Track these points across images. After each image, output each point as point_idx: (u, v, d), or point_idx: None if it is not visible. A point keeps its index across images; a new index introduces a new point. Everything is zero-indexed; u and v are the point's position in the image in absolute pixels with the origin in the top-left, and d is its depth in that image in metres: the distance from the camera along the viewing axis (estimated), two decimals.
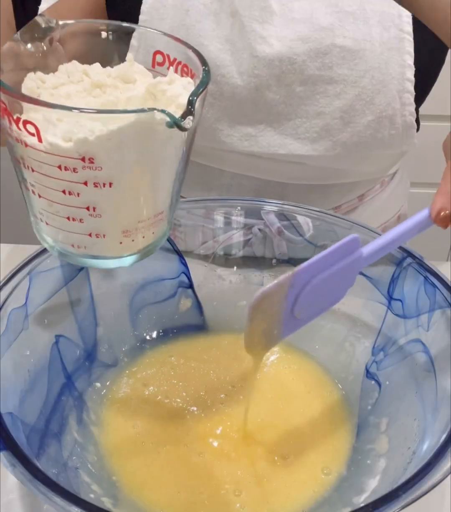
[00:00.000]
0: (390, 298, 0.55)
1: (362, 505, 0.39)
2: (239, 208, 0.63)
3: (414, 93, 0.62)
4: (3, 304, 0.48)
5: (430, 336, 0.50)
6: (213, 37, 0.62)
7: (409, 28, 0.61)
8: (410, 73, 0.61)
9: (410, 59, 0.61)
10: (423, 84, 0.64)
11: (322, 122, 0.63)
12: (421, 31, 0.61)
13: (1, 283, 0.49)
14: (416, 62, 0.62)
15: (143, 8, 0.63)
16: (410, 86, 0.62)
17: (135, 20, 0.63)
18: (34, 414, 0.47)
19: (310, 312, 0.46)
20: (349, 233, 0.58)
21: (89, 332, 0.57)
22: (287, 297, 0.43)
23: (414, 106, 0.62)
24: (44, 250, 0.53)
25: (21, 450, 0.38)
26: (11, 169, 0.82)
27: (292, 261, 0.64)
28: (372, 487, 0.45)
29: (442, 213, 0.45)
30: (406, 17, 0.61)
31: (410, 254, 0.54)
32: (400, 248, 0.55)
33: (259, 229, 0.65)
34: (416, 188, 1.25)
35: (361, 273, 0.58)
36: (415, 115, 0.63)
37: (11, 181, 0.75)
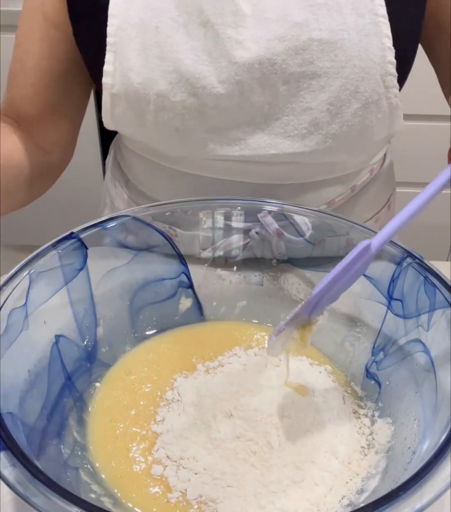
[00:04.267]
0: (390, 298, 0.55)
1: (362, 505, 0.39)
2: (239, 208, 0.63)
3: (396, 75, 0.62)
4: (3, 304, 0.48)
5: (430, 336, 0.50)
6: (187, 50, 0.61)
7: (383, 11, 0.60)
8: (391, 55, 0.61)
9: (388, 42, 0.60)
10: (403, 64, 0.64)
11: (309, 117, 0.63)
12: (393, 12, 0.60)
13: (1, 283, 0.49)
14: (396, 41, 0.61)
15: (110, 30, 0.61)
16: (392, 69, 0.61)
17: (103, 43, 0.62)
18: (34, 414, 0.47)
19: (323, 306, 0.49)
20: (348, 233, 0.59)
21: (89, 332, 0.57)
22: (303, 315, 0.49)
23: (398, 87, 0.62)
24: (44, 250, 0.53)
25: (21, 450, 0.38)
26: None
27: (292, 261, 0.64)
28: (372, 487, 0.45)
29: None
30: (378, 0, 0.61)
31: (410, 254, 0.54)
32: (400, 248, 0.55)
33: (257, 232, 0.64)
34: (404, 188, 1.26)
35: None
36: (399, 96, 0.63)
37: None
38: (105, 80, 0.63)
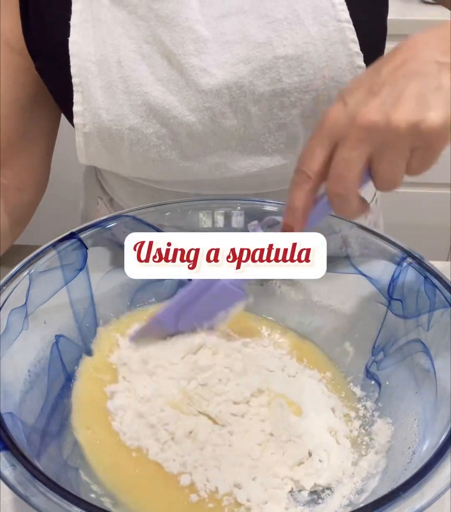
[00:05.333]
0: (390, 298, 0.55)
1: (362, 505, 0.39)
2: (239, 208, 0.63)
3: None
4: (3, 304, 0.48)
5: (430, 336, 0.50)
6: (153, 82, 0.60)
7: (346, 15, 0.59)
8: (360, 59, 0.59)
9: (356, 47, 0.59)
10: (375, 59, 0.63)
11: (285, 132, 0.62)
12: (356, 15, 0.59)
13: (1, 283, 0.49)
14: (363, 44, 0.59)
15: (73, 70, 0.61)
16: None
17: (69, 83, 0.61)
18: (34, 414, 0.47)
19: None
20: (350, 232, 0.59)
21: (89, 332, 0.57)
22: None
23: None
24: (44, 250, 0.53)
25: (21, 450, 0.38)
26: None
27: None
28: (372, 487, 0.45)
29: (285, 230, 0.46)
30: (339, 4, 0.59)
31: (410, 254, 0.54)
32: (400, 248, 0.55)
33: None
34: None
35: (361, 273, 0.58)
36: None
37: None
38: (76, 120, 0.62)
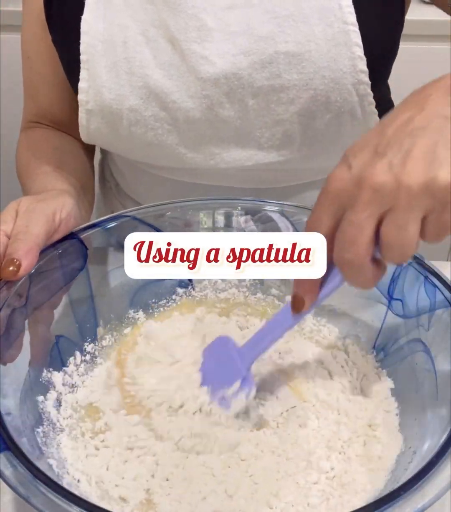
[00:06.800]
0: (390, 297, 0.55)
1: (362, 505, 0.39)
2: (239, 208, 0.63)
3: (370, 83, 0.60)
4: (3, 304, 0.48)
5: (431, 335, 0.50)
6: (156, 65, 0.61)
7: (352, 18, 0.58)
8: (362, 64, 0.59)
9: (359, 51, 0.58)
10: (380, 69, 0.62)
11: (282, 128, 0.62)
12: (365, 16, 0.59)
13: (1, 283, 0.49)
14: (367, 49, 0.59)
15: (82, 48, 0.62)
16: (365, 77, 0.59)
17: (77, 60, 0.62)
18: (34, 415, 0.47)
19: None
20: None
21: (89, 332, 0.57)
22: None
23: (372, 95, 0.61)
24: (44, 251, 0.53)
25: (22, 451, 0.38)
26: (11, 167, 0.81)
27: None
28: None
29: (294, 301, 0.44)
30: (347, 7, 0.58)
31: None
32: None
33: None
34: None
35: None
36: (374, 102, 0.61)
37: (11, 179, 0.76)
38: (80, 96, 0.63)
